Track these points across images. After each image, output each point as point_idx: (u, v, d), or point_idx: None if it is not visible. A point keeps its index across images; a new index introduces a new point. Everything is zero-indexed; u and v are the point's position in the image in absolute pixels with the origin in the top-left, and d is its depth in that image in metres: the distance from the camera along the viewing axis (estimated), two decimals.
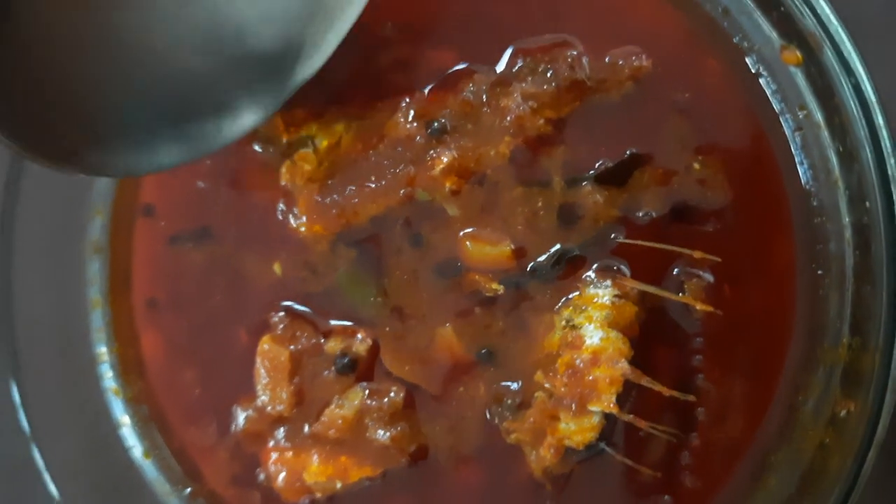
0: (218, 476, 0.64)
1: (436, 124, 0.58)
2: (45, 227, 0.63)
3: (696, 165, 0.57)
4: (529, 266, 0.58)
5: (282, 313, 0.61)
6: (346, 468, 0.60)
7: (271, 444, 0.62)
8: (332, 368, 0.60)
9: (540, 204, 0.57)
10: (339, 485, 0.60)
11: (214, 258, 0.64)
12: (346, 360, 0.60)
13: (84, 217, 0.65)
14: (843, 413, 0.54)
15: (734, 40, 0.57)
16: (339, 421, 0.59)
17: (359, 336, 0.60)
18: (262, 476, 0.62)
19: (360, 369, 0.60)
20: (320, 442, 0.60)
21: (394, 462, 0.60)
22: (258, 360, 0.61)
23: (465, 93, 0.58)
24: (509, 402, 0.58)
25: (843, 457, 0.53)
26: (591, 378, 0.54)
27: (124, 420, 0.65)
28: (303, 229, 0.60)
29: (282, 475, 0.61)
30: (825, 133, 0.55)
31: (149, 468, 0.65)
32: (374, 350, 0.60)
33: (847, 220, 0.55)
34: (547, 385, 0.56)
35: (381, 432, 0.59)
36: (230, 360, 0.63)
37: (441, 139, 0.58)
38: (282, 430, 0.61)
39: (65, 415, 0.64)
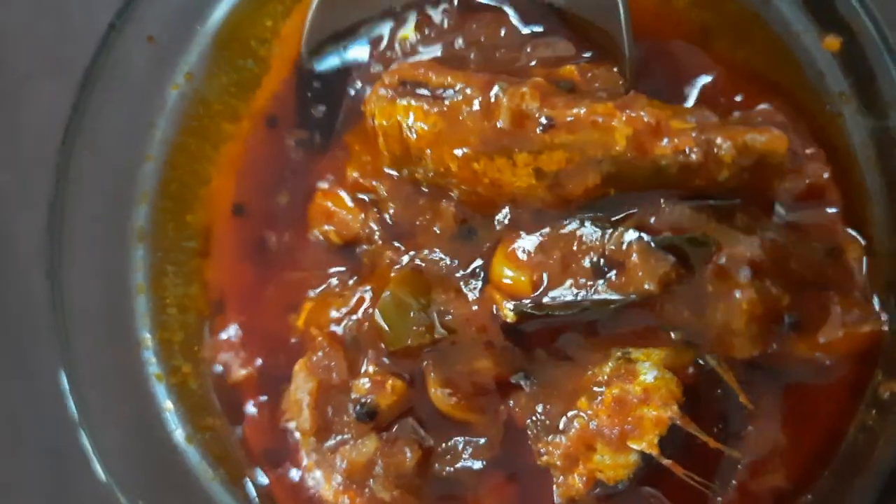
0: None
1: None
2: (91, 215, 0.64)
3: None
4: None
5: (320, 338, 0.61)
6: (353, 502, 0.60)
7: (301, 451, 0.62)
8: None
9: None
10: None
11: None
12: (365, 409, 0.58)
13: (129, 205, 0.66)
14: (886, 395, 0.54)
15: None
16: (350, 463, 0.59)
17: (388, 385, 0.59)
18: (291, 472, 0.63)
19: (379, 419, 0.59)
20: (334, 470, 0.60)
21: None
22: (293, 378, 0.61)
23: None
24: (548, 422, 0.56)
25: (886, 439, 0.53)
26: (637, 414, 0.53)
27: (167, 405, 0.66)
28: None
29: (312, 479, 0.62)
30: None
31: (192, 453, 0.66)
32: (399, 402, 0.59)
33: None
34: (588, 413, 0.54)
35: (384, 491, 0.59)
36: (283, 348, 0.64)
37: None
38: (310, 440, 0.61)
39: (111, 401, 0.64)
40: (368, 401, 0.58)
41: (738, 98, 0.58)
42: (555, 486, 0.56)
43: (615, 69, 0.57)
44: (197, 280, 0.67)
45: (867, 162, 0.56)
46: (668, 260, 0.52)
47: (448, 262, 0.59)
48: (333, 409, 0.60)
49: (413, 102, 0.56)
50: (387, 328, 0.58)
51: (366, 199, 0.62)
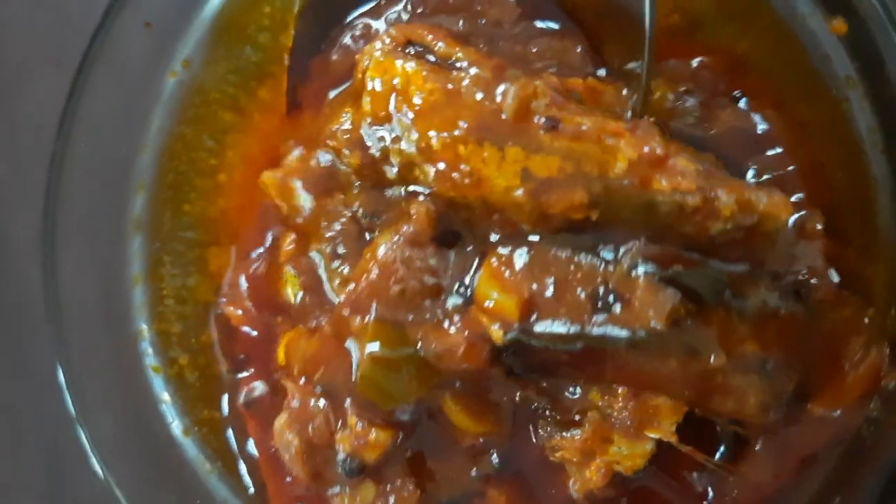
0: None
1: None
2: (87, 205, 0.63)
3: None
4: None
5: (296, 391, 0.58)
6: None
7: None
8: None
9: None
10: None
11: None
12: (351, 466, 0.56)
13: (126, 194, 0.65)
14: (891, 385, 0.53)
15: None
16: None
17: (372, 438, 0.56)
18: None
19: (369, 470, 0.57)
20: None
21: None
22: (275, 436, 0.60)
23: None
24: (559, 418, 0.55)
25: (892, 430, 0.52)
26: (653, 403, 0.52)
27: (164, 397, 0.65)
28: None
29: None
30: None
31: (189, 446, 0.65)
32: (386, 451, 0.57)
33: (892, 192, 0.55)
34: (601, 404, 0.53)
35: None
36: None
37: None
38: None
39: (107, 393, 0.64)
40: (353, 461, 0.56)
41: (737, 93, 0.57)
42: (571, 482, 0.55)
43: (624, 91, 0.55)
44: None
45: (873, 148, 0.55)
46: (676, 296, 0.49)
47: (426, 280, 0.54)
48: (322, 462, 0.58)
49: (415, 66, 0.52)
50: (376, 399, 0.55)
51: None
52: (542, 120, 0.49)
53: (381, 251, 0.53)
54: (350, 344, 0.54)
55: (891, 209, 0.55)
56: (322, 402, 0.57)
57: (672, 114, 0.57)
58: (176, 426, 0.65)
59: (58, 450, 0.73)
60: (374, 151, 0.54)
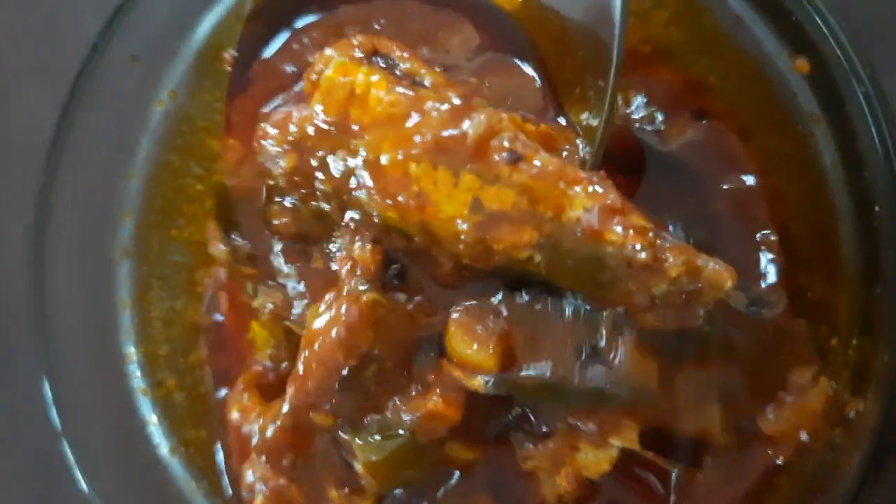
0: None
1: None
2: (76, 231, 0.65)
3: None
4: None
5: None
6: None
7: None
8: None
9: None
10: None
11: None
12: None
13: (114, 221, 0.67)
14: (851, 414, 0.55)
15: None
16: None
17: None
18: None
19: None
20: None
21: None
22: None
23: None
24: (528, 429, 0.57)
25: (852, 456, 0.54)
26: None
27: (152, 419, 0.67)
28: None
29: None
30: None
31: (175, 466, 0.66)
32: None
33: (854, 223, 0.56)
34: (570, 419, 0.55)
35: None
36: None
37: None
38: None
39: (94, 412, 0.65)
40: None
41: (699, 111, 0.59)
42: (543, 488, 0.57)
43: (578, 141, 0.53)
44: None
45: (836, 181, 0.57)
46: (657, 358, 0.51)
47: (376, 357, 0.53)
48: None
49: (380, 76, 0.50)
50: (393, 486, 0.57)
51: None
52: (505, 154, 0.48)
53: (317, 347, 0.53)
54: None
55: (852, 240, 0.57)
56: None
57: (633, 120, 0.59)
58: (163, 446, 0.66)
59: (44, 465, 0.74)
60: (313, 158, 0.52)
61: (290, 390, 0.54)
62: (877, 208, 0.54)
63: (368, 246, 0.52)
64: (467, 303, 0.53)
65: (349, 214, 0.52)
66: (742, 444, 0.55)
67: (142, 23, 0.63)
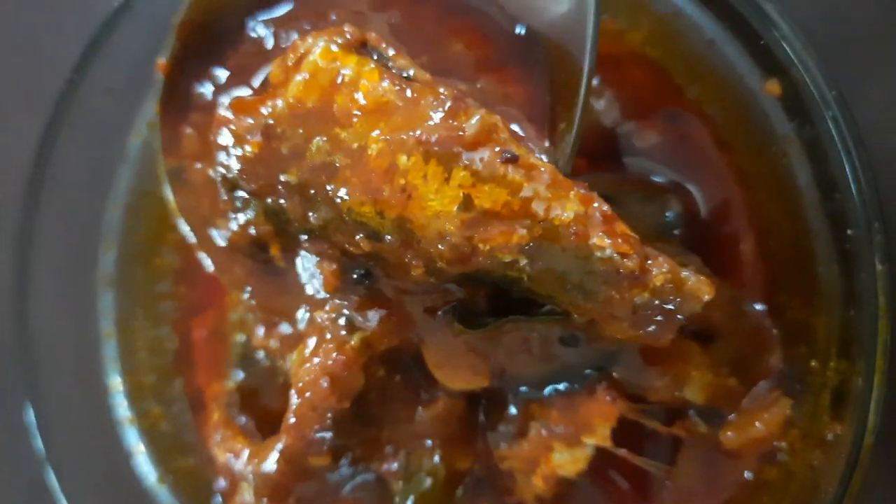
0: None
1: None
2: (58, 263, 0.65)
3: None
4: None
5: None
6: None
7: None
8: None
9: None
10: None
11: None
12: None
13: (96, 251, 0.67)
14: (830, 436, 0.55)
15: None
16: None
17: None
18: None
19: None
20: None
21: None
22: None
23: None
24: (504, 429, 0.59)
25: (832, 477, 0.54)
26: (585, 415, 0.56)
27: (139, 448, 0.67)
28: None
29: None
30: None
31: (163, 494, 0.67)
32: None
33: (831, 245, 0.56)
34: (538, 423, 0.57)
35: None
36: None
37: None
38: None
39: (79, 439, 0.66)
40: None
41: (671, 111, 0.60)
42: (520, 488, 0.59)
43: (546, 143, 0.53)
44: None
45: (812, 204, 0.56)
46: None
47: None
48: None
49: (373, 65, 0.48)
50: None
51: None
52: (501, 153, 0.46)
53: (308, 395, 0.54)
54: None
55: (829, 261, 0.56)
56: None
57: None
58: (150, 475, 0.67)
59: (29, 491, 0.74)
60: (283, 145, 0.48)
61: (284, 440, 0.55)
62: (849, 231, 0.54)
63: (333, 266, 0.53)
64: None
65: (311, 214, 0.50)
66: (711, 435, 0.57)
67: (116, 55, 0.63)
